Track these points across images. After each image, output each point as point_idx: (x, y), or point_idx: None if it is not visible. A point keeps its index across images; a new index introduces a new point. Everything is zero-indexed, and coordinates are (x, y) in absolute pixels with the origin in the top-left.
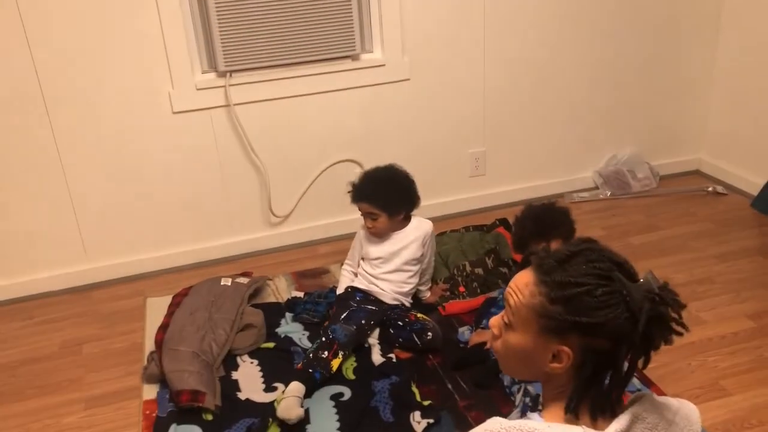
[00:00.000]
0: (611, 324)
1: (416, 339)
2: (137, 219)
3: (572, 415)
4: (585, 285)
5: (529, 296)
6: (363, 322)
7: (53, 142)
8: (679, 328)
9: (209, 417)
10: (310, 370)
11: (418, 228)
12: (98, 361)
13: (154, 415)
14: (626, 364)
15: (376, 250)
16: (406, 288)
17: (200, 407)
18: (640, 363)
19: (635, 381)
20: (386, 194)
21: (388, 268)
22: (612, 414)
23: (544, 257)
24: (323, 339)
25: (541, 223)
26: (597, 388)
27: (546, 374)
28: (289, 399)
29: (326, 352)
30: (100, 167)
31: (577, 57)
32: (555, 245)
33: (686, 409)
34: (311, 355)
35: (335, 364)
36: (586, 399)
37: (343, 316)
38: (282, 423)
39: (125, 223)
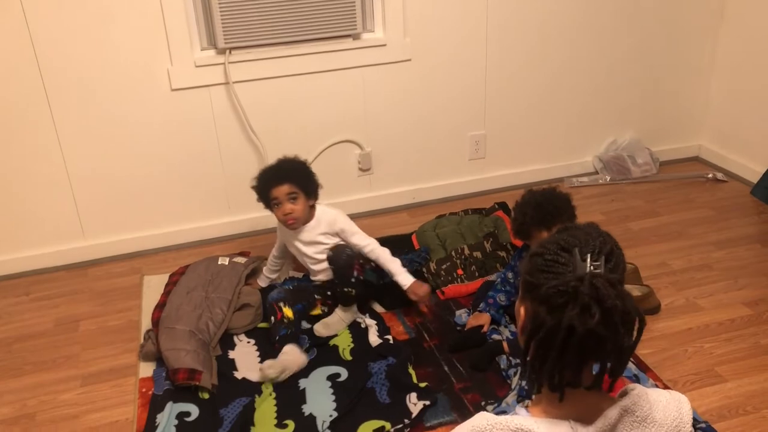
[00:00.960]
0: (548, 291)
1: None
2: (135, 197)
3: (554, 402)
4: (544, 248)
5: (524, 258)
6: (304, 284)
7: (51, 119)
8: (600, 329)
9: (205, 395)
10: (276, 337)
11: (322, 218)
12: (95, 339)
13: (150, 392)
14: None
15: (295, 250)
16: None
17: (196, 386)
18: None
19: (631, 366)
20: (304, 173)
21: (311, 259)
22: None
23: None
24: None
25: (543, 209)
26: (542, 366)
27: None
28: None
29: (272, 317)
30: (97, 144)
31: (579, 42)
32: None
33: (676, 401)
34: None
35: (287, 313)
36: (541, 378)
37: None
38: (278, 395)
39: (123, 201)
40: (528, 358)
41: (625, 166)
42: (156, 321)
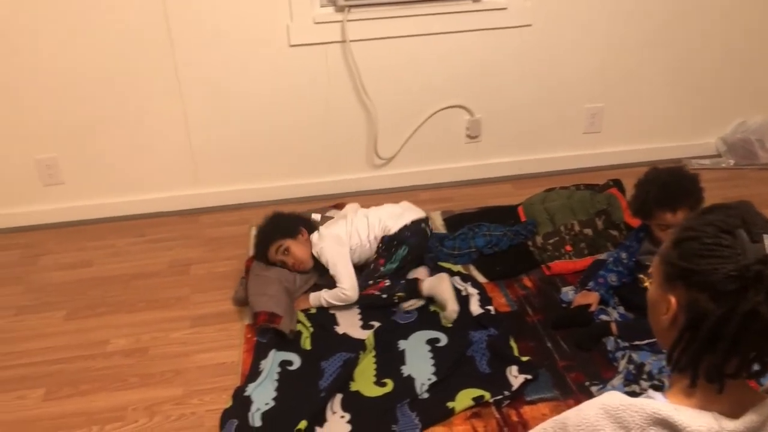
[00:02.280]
0: (710, 276)
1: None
2: (247, 149)
3: (697, 393)
4: (699, 231)
5: (663, 244)
6: None
7: (173, 67)
8: None
9: (307, 346)
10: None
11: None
12: (204, 283)
13: (254, 339)
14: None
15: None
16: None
17: (276, 329)
18: None
19: None
20: (277, 224)
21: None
22: (750, 392)
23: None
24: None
25: (668, 189)
26: (706, 356)
27: (665, 333)
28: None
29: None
30: (215, 95)
31: (710, 13)
32: (681, 215)
33: None
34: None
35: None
36: (698, 368)
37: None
38: (378, 354)
39: (235, 152)
40: (678, 350)
41: (752, 150)
42: (248, 268)
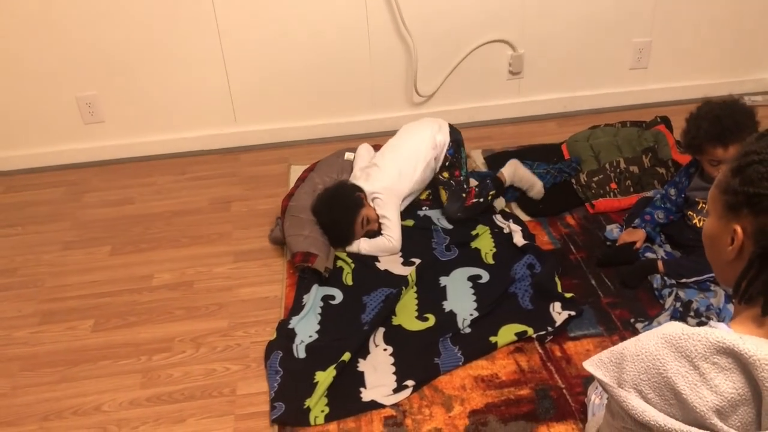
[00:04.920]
0: None
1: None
2: (285, 87)
3: (767, 322)
4: (762, 154)
5: (720, 174)
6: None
7: (212, 6)
8: None
9: (349, 282)
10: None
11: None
12: (245, 219)
13: (297, 274)
14: None
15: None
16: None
17: (311, 267)
18: None
19: None
20: (350, 213)
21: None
22: None
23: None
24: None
25: (721, 124)
26: None
27: (732, 268)
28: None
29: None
30: (253, 33)
31: None
32: (733, 151)
33: None
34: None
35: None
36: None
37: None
38: (419, 290)
39: (273, 91)
40: (747, 279)
41: None
42: (284, 209)
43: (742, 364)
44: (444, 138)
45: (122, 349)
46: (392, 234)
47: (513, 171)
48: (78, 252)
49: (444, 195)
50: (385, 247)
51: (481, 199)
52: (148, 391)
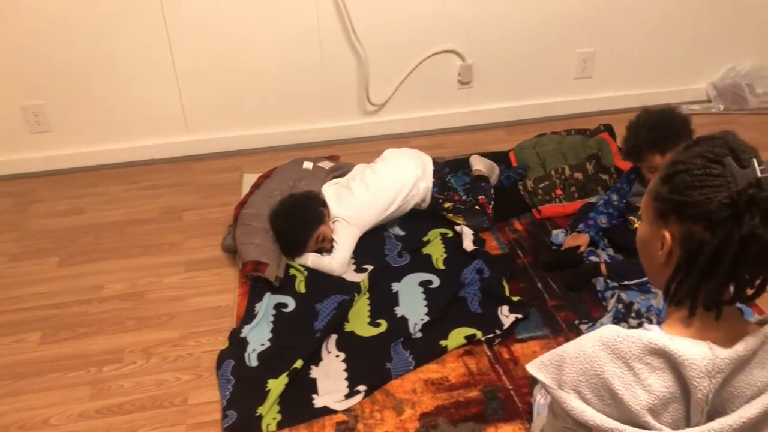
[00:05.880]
0: (705, 206)
1: None
2: (237, 96)
3: (692, 320)
4: (688, 164)
5: (651, 182)
6: None
7: (161, 13)
8: None
9: (302, 290)
10: None
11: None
12: (197, 229)
13: (249, 283)
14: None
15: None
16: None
17: (261, 277)
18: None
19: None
20: (308, 222)
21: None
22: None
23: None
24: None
25: (658, 132)
26: (704, 285)
27: (662, 271)
28: None
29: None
30: (204, 41)
31: None
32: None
33: None
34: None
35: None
36: (689, 299)
37: None
38: (371, 296)
39: (225, 99)
40: (675, 282)
41: (741, 95)
42: (236, 217)
43: (672, 364)
44: (427, 184)
45: (71, 361)
46: (337, 257)
47: (482, 163)
48: (25, 263)
49: (460, 219)
50: (327, 267)
51: (493, 202)
52: (97, 403)
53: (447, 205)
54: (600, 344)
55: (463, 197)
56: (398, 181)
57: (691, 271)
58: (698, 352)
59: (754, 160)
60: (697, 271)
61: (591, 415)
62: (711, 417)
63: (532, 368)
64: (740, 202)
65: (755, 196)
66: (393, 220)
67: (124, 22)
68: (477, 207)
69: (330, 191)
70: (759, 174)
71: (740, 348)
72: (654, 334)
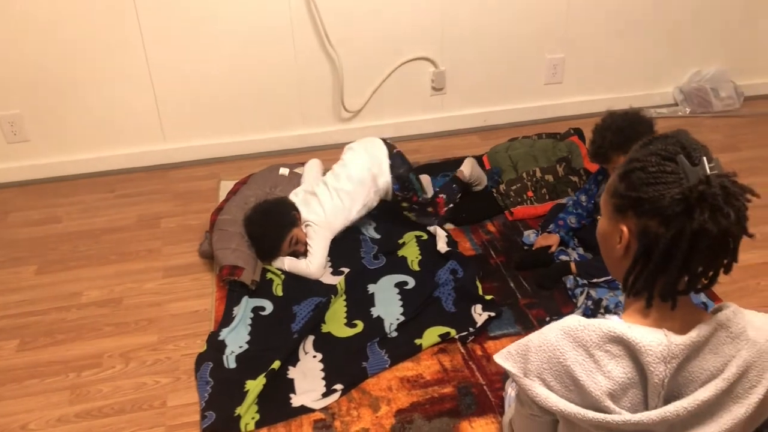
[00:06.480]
0: (659, 202)
1: None
2: (213, 104)
3: (649, 310)
4: (643, 161)
5: (610, 180)
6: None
7: (136, 22)
8: (727, 223)
9: (279, 293)
10: None
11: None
12: (175, 235)
13: (227, 287)
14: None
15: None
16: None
17: (237, 281)
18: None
19: (700, 294)
20: (277, 218)
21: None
22: (694, 309)
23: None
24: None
25: (623, 134)
26: (660, 276)
27: (620, 264)
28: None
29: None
30: (179, 50)
31: None
32: None
33: None
34: None
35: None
36: (647, 290)
37: None
38: (348, 298)
39: (202, 107)
40: (633, 275)
41: (706, 99)
42: (213, 223)
43: (631, 351)
44: (386, 179)
45: (50, 367)
46: (313, 261)
47: (471, 167)
48: (2, 272)
49: (413, 217)
50: (303, 271)
51: (452, 204)
52: (76, 407)
53: (405, 204)
54: (562, 333)
55: (421, 198)
56: (357, 181)
57: (648, 264)
58: (654, 339)
59: (704, 158)
60: (653, 264)
61: (555, 401)
62: (667, 401)
63: (499, 358)
64: (691, 198)
65: (704, 192)
66: (368, 223)
67: (99, 31)
68: (430, 209)
69: (297, 199)
70: (708, 171)
71: (694, 335)
72: (613, 323)
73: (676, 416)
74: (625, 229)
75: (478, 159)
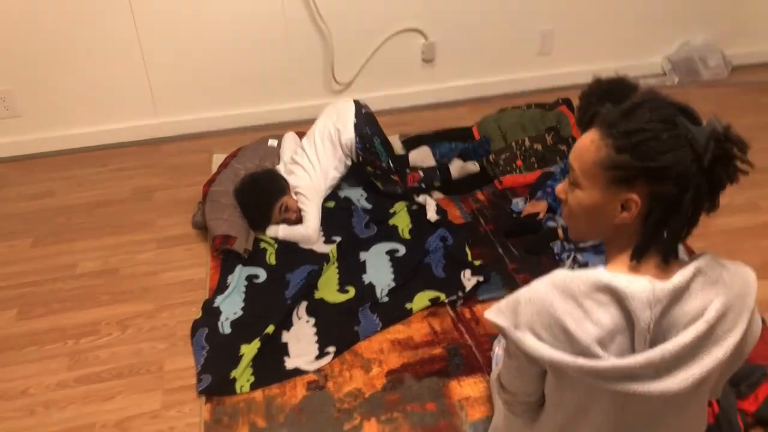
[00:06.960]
0: (677, 167)
1: None
2: (205, 78)
3: (636, 264)
4: (650, 130)
5: (594, 152)
6: None
7: None
8: (744, 166)
9: (272, 261)
10: None
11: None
12: (168, 207)
13: (220, 257)
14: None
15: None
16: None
17: (231, 249)
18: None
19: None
20: (267, 185)
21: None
22: (674, 260)
23: (608, 112)
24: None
25: (609, 99)
26: (663, 234)
27: (614, 228)
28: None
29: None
30: (170, 24)
31: None
32: None
33: (744, 271)
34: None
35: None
36: (652, 246)
37: None
38: (340, 265)
39: (193, 81)
40: (646, 238)
41: (695, 68)
42: (205, 194)
43: (617, 299)
44: (349, 136)
45: (48, 335)
46: (310, 224)
47: (460, 167)
48: None
49: (378, 184)
50: (301, 234)
51: (423, 185)
52: (75, 373)
53: (369, 169)
54: (551, 285)
55: (384, 164)
56: (325, 136)
57: (661, 225)
58: (639, 286)
59: (712, 119)
60: (675, 223)
61: (546, 350)
62: (653, 346)
63: (491, 314)
64: (706, 157)
65: (719, 148)
66: (360, 193)
67: (90, 5)
68: (393, 176)
69: (284, 170)
70: (720, 129)
71: (676, 280)
72: (600, 273)
73: (661, 359)
74: (635, 197)
75: (467, 130)
